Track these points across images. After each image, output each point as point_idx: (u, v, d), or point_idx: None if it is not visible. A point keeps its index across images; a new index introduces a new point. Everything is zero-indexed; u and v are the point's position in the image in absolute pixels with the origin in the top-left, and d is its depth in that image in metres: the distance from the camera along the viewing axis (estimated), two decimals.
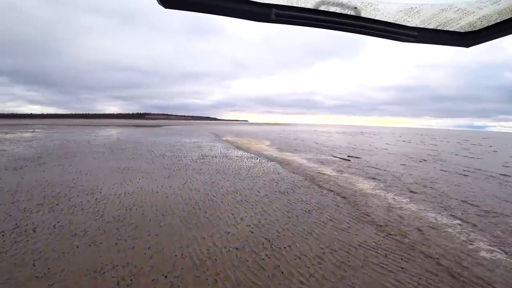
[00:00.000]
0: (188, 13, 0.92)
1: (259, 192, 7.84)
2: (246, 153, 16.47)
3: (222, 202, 6.82)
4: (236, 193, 7.68)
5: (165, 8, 0.86)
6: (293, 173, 10.76)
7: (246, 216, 5.89)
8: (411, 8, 0.97)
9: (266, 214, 6.09)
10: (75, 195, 7.15)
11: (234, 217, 5.84)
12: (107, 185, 8.26)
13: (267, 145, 22.17)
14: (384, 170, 12.19)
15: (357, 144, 26.96)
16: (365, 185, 9.11)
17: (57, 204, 6.42)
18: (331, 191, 8.15)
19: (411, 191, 8.54)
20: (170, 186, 8.18)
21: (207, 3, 0.87)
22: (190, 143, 21.58)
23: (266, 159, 13.99)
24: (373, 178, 10.25)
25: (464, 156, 19.68)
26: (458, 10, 0.96)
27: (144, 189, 7.88)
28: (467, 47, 1.15)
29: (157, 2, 0.82)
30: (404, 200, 7.53)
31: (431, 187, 9.17)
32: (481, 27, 1.04)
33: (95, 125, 71.45)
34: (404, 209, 6.78)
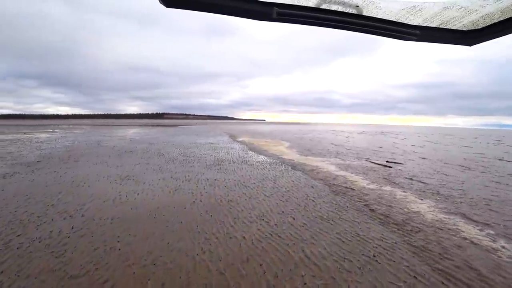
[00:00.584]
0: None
1: (293, 218, 5.67)
2: (265, 157, 14.34)
3: (243, 238, 4.72)
4: (263, 219, 5.57)
5: (167, 7, 0.85)
6: (328, 186, 8.49)
7: (283, 270, 3.75)
8: (413, 6, 0.95)
9: (312, 262, 3.92)
10: (48, 220, 5.34)
11: (264, 271, 3.72)
12: (96, 203, 6.44)
13: (286, 147, 19.91)
14: (440, 184, 9.59)
15: (382, 145, 24.06)
16: (437, 214, 6.68)
17: (18, 235, 4.62)
18: (395, 224, 5.79)
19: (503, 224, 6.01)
20: (174, 207, 6.21)
21: (208, 2, 0.86)
22: (205, 145, 19.78)
23: (291, 167, 11.77)
24: (435, 197, 7.76)
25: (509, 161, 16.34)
26: (460, 8, 0.95)
27: (138, 212, 5.96)
28: (470, 45, 1.12)
29: (158, 2, 0.82)
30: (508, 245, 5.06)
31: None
32: (484, 26, 1.03)
33: (114, 125, 72.34)
34: None
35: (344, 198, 7.23)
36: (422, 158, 16.11)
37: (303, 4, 0.94)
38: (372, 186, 8.63)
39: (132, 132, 37.55)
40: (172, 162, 12.10)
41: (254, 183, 8.56)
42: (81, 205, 6.26)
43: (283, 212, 6.05)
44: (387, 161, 14.64)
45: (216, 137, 28.06)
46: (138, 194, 7.20)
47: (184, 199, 6.79)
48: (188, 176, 9.39)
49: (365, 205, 6.70)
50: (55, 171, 10.04)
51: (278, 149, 18.20)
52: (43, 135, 29.69)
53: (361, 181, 9.26)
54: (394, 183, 9.22)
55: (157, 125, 75.11)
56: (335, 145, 22.77)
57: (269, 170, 10.71)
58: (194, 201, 6.62)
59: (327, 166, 12.20)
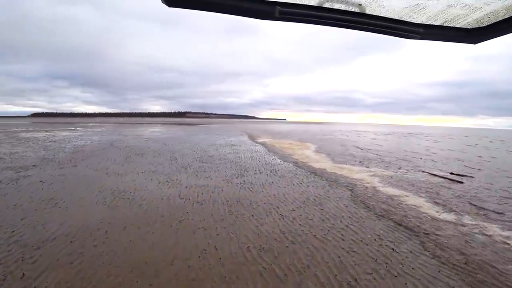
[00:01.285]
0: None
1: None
2: (295, 165, 11.66)
3: None
4: None
5: (169, 7, 0.83)
6: (394, 220, 5.68)
7: None
8: (417, 4, 0.94)
9: None
10: None
11: None
12: (55, 247, 4.18)
13: (313, 151, 17.01)
14: None
15: (416, 149, 20.34)
16: None
17: None
18: None
19: None
20: (172, 262, 3.79)
21: (210, 1, 0.85)
22: (225, 147, 17.45)
23: (331, 181, 9.05)
24: None
25: None
26: (465, 6, 0.93)
27: (114, 272, 3.59)
28: (474, 43, 1.10)
29: (161, 1, 0.79)
30: None
31: None
32: (488, 23, 1.01)
33: (136, 123, 72.95)
34: None
35: (444, 263, 4.41)
36: (479, 168, 12.54)
37: (305, 3, 0.93)
38: (468, 222, 5.67)
39: (150, 131, 36.37)
40: (184, 171, 9.81)
41: (294, 210, 5.95)
42: (32, 248, 4.02)
43: (356, 280, 3.39)
44: (451, 173, 11.39)
45: (237, 138, 25.68)
46: (122, 230, 4.86)
47: (189, 248, 4.33)
48: (202, 194, 6.97)
49: (466, 259, 3.85)
50: (41, 181, 8.11)
51: (305, 154, 15.38)
52: (62, 133, 29.11)
53: (441, 213, 6.30)
54: (495, 212, 6.17)
55: (178, 124, 74.73)
56: (366, 149, 19.46)
57: (306, 186, 8.05)
58: (204, 252, 4.14)
59: (372, 180, 9.29)
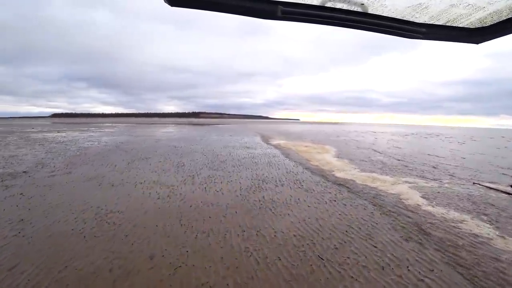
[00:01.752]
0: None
1: None
2: (320, 176, 9.86)
3: None
4: None
5: (171, 6, 0.82)
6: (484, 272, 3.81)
7: None
8: (419, 4, 0.93)
9: None
10: None
11: None
12: None
13: (334, 156, 15.03)
14: None
15: (440, 152, 17.86)
16: None
17: None
18: None
19: None
20: None
21: (213, 1, 0.84)
22: (239, 150, 15.82)
23: (367, 199, 7.22)
24: None
25: None
26: (468, 5, 0.92)
27: None
28: (477, 43, 1.08)
29: (163, 1, 0.79)
30: None
31: None
32: (491, 23, 1.00)
33: (150, 124, 73.05)
34: None
35: None
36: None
37: (308, 3, 0.92)
38: None
39: (162, 131, 35.42)
40: (191, 181, 8.24)
41: (337, 249, 4.20)
42: None
43: None
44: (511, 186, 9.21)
45: (251, 139, 24.02)
46: (94, 280, 3.31)
47: None
48: (210, 219, 5.33)
49: None
50: (21, 193, 6.79)
51: (326, 160, 13.45)
52: (73, 134, 28.58)
53: None
54: None
55: (191, 124, 74.18)
56: (389, 153, 17.23)
57: (343, 206, 6.25)
58: None
59: (416, 196, 7.35)
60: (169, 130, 37.63)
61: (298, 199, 6.72)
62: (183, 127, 51.60)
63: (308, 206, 6.19)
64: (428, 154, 17.03)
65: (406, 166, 12.10)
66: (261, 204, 6.27)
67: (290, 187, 7.85)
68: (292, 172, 9.91)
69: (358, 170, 10.97)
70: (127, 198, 6.51)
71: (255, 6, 0.88)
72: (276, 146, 18.60)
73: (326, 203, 6.48)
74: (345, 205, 6.35)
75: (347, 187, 7.99)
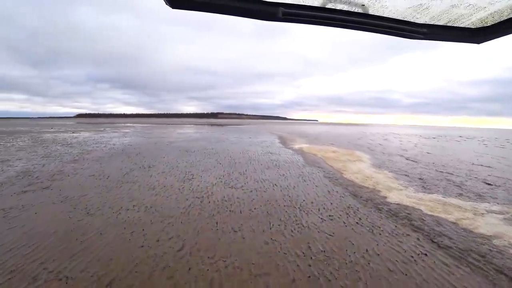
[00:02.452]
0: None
1: None
2: (370, 204, 7.11)
3: None
4: None
5: (172, 8, 0.82)
6: None
7: None
8: (420, 4, 0.93)
9: None
10: None
11: None
12: None
13: (371, 166, 11.94)
14: None
15: (489, 161, 14.16)
16: None
17: None
18: None
19: None
20: None
21: (214, 3, 0.84)
22: (261, 156, 13.29)
23: (471, 262, 4.39)
24: None
25: None
26: (469, 6, 0.92)
27: None
28: (478, 43, 1.08)
29: (164, 3, 0.79)
30: None
31: None
32: (493, 23, 0.99)
33: (167, 124, 72.62)
34: None
35: None
36: None
37: (308, 4, 0.92)
38: None
39: (178, 132, 33.74)
40: (199, 210, 5.81)
41: None
42: None
43: None
44: None
45: (272, 141, 21.37)
46: None
47: None
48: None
49: None
50: None
51: (363, 171, 10.50)
52: (86, 134, 27.49)
53: None
54: None
55: (210, 124, 72.91)
56: (426, 162, 13.86)
57: (440, 270, 3.53)
58: None
59: None
60: (185, 131, 35.92)
61: (367, 251, 4.06)
62: (200, 127, 50.05)
63: (390, 271, 3.53)
64: (472, 164, 13.53)
65: (461, 184, 8.97)
66: (303, 250, 3.72)
67: (344, 222, 5.19)
68: (333, 192, 7.22)
69: (412, 189, 8.00)
70: (98, 239, 4.19)
71: (256, 7, 0.88)
72: (300, 152, 15.84)
73: (414, 261, 3.79)
74: (448, 272, 3.62)
75: (420, 227, 5.14)
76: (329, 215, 5.54)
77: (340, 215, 5.54)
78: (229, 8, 0.85)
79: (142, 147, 16.66)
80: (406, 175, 10.08)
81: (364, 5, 0.93)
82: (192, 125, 64.11)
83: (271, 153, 14.77)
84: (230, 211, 5.62)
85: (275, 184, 7.85)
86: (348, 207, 6.06)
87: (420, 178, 9.57)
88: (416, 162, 13.40)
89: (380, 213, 5.79)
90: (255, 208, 5.80)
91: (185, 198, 6.36)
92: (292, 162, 11.78)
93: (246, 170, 9.73)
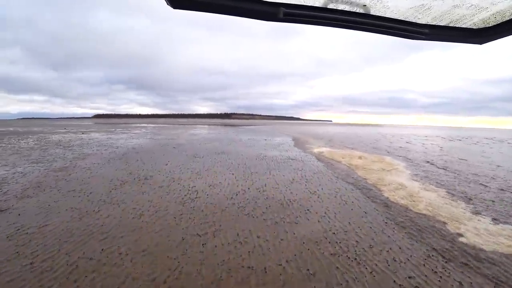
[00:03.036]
0: None
1: None
2: (449, 248, 4.82)
3: None
4: None
5: (174, 8, 0.81)
6: None
7: None
8: (422, 5, 0.92)
9: None
10: None
11: None
12: None
13: (412, 178, 9.50)
14: None
15: None
16: None
17: None
18: None
19: None
20: None
21: (215, 3, 0.84)
22: (280, 164, 11.19)
23: None
24: None
25: None
26: (471, 6, 0.91)
27: None
28: (481, 44, 1.07)
29: (165, 3, 0.79)
30: None
31: None
32: (495, 23, 0.99)
33: (180, 125, 71.84)
34: None
35: None
36: None
37: (310, 4, 0.91)
38: None
39: (189, 133, 32.15)
40: (197, 251, 3.80)
41: None
42: None
43: None
44: None
45: (289, 144, 19.19)
46: None
47: None
48: None
49: None
50: None
51: (406, 187, 8.08)
52: (93, 135, 26.36)
53: None
54: None
55: (223, 125, 71.47)
56: (467, 172, 11.16)
57: None
58: None
59: None
60: (196, 132, 34.31)
61: None
62: (213, 128, 48.47)
63: None
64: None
65: None
66: None
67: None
68: (390, 226, 5.01)
69: (487, 220, 5.61)
70: None
71: (256, 8, 0.87)
72: (323, 158, 13.58)
73: None
74: None
75: None
76: (408, 276, 3.37)
77: (427, 279, 3.34)
78: (229, 8, 0.85)
79: (146, 150, 14.95)
80: (463, 194, 7.63)
81: (365, 5, 0.91)
82: (205, 126, 62.78)
83: (291, 159, 12.61)
84: (247, 267, 3.55)
85: (308, 210, 5.71)
86: (428, 257, 3.85)
87: (482, 199, 7.12)
88: (457, 173, 10.74)
89: (474, 272, 3.55)
90: (286, 261, 3.69)
91: (180, 238, 4.33)
92: (319, 173, 9.58)
93: (265, 185, 7.65)
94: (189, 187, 7.28)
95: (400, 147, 21.19)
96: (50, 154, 13.15)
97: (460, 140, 33.65)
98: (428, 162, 13.55)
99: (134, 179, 8.18)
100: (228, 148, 16.36)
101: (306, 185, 7.79)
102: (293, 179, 8.41)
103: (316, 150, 16.83)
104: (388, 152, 17.38)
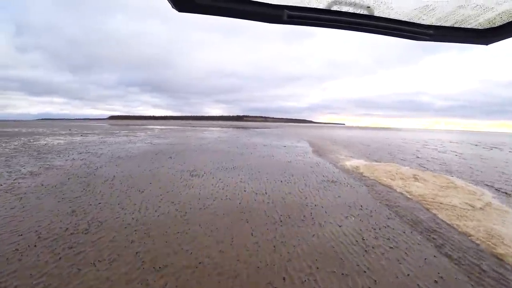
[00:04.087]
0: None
1: None
2: None
3: None
4: None
5: (179, 12, 0.82)
6: None
7: None
8: (426, 6, 0.90)
9: None
10: None
11: None
12: None
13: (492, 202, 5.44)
14: None
15: None
16: None
17: None
18: None
19: None
20: None
21: (219, 6, 0.83)
22: (312, 190, 7.42)
23: None
24: None
25: None
26: (476, 6, 0.89)
27: None
28: (487, 44, 1.04)
29: (171, 6, 0.79)
30: None
31: None
32: (501, 23, 0.96)
33: (191, 126, 69.45)
34: None
35: None
36: None
37: (313, 6, 0.90)
38: None
39: (198, 137, 28.82)
40: None
41: None
42: None
43: None
44: None
45: (308, 153, 15.30)
46: None
47: None
48: None
49: None
50: None
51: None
52: (90, 139, 23.56)
53: None
54: None
55: (235, 127, 68.36)
56: None
57: None
58: None
59: None
60: (205, 136, 30.97)
61: None
62: (224, 131, 45.16)
63: None
64: None
65: None
66: None
67: None
68: None
69: None
70: None
71: (260, 10, 0.86)
72: (364, 178, 9.65)
73: None
74: None
75: None
76: None
77: None
78: (233, 11, 0.85)
79: (133, 162, 11.48)
80: None
81: (369, 7, 0.90)
82: (216, 128, 59.77)
83: (330, 181, 8.74)
84: None
85: None
86: None
87: None
88: None
89: None
90: None
91: None
92: (372, 214, 5.67)
93: (291, 235, 3.84)
94: (184, 227, 3.61)
95: (438, 158, 16.74)
96: (7, 166, 9.98)
97: (496, 147, 28.54)
98: (502, 181, 9.40)
99: (84, 224, 4.58)
100: (239, 161, 12.62)
101: (366, 248, 3.92)
102: (340, 229, 4.55)
103: (349, 164, 12.88)
104: (444, 168, 13.12)
